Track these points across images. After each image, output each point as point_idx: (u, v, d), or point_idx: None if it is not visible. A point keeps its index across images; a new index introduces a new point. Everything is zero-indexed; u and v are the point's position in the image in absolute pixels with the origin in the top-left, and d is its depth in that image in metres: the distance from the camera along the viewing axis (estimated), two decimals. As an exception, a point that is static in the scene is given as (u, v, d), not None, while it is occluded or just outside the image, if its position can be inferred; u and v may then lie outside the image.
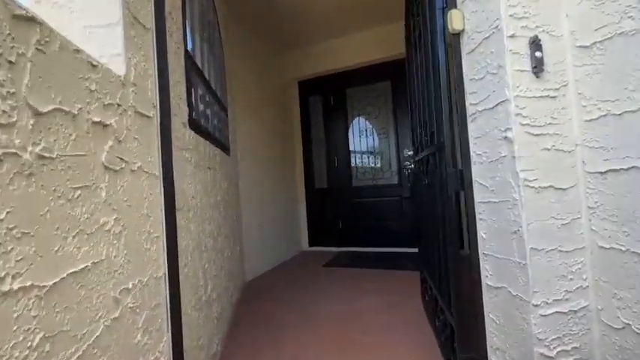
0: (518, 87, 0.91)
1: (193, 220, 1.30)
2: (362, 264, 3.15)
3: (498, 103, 0.95)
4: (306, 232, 4.00)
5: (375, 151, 3.73)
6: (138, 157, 0.82)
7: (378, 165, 3.71)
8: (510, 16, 0.91)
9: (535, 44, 0.90)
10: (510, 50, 0.91)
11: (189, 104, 1.32)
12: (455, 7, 1.10)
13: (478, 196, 1.08)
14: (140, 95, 0.85)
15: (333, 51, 3.69)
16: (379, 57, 3.49)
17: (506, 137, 0.93)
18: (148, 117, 0.89)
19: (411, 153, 3.55)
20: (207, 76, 1.80)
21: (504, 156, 0.95)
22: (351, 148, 3.84)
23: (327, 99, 3.94)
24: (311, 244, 4.00)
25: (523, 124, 0.90)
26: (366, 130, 3.80)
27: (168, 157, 0.98)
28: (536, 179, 0.90)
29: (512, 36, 0.91)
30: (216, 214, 1.76)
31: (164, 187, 0.95)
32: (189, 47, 1.42)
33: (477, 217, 1.09)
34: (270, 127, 3.47)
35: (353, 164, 3.82)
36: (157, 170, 0.93)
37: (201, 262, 1.39)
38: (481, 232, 1.08)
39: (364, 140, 3.80)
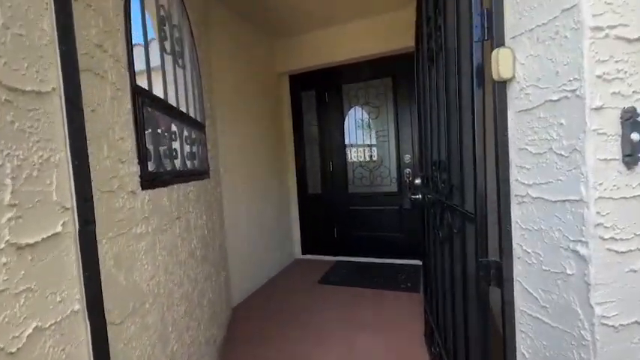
0: (601, 185, 0.62)
1: (153, 307, 1.02)
2: (359, 280, 2.94)
3: (567, 200, 0.67)
4: (299, 240, 3.77)
5: (373, 155, 3.43)
6: (34, 316, 0.53)
7: (376, 170, 3.42)
8: (598, 77, 0.61)
9: (632, 122, 0.61)
10: (594, 130, 0.62)
11: (142, 159, 1.00)
12: (503, 44, 0.78)
13: (521, 302, 0.82)
14: (30, 213, 0.54)
15: (327, 42, 3.28)
16: (380, 51, 3.11)
17: (576, 252, 0.66)
18: (54, 235, 0.59)
19: (408, 158, 3.27)
20: (173, 99, 1.46)
21: (571, 274, 0.68)
22: (348, 151, 3.53)
23: (322, 95, 3.57)
24: (304, 252, 3.78)
25: (605, 239, 0.63)
26: (363, 133, 3.48)
27: (94, 273, 0.69)
28: (616, 314, 0.64)
29: (598, 108, 0.61)
30: (190, 267, 1.48)
31: (91, 323, 0.67)
32: (141, 79, 1.08)
33: (518, 327, 0.84)
34: (258, 127, 3.12)
35: (349, 169, 3.53)
36: (80, 302, 0.64)
37: (167, 349, 1.13)
38: (522, 349, 0.83)
39: (361, 143, 3.48)
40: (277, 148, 3.51)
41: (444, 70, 1.19)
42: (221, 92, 2.57)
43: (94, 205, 0.70)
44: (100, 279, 0.70)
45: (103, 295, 0.71)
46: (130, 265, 0.89)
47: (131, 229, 0.91)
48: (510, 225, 0.83)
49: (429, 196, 1.58)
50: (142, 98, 1.05)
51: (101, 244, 0.74)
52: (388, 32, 3.03)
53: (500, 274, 0.85)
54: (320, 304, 2.54)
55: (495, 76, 0.79)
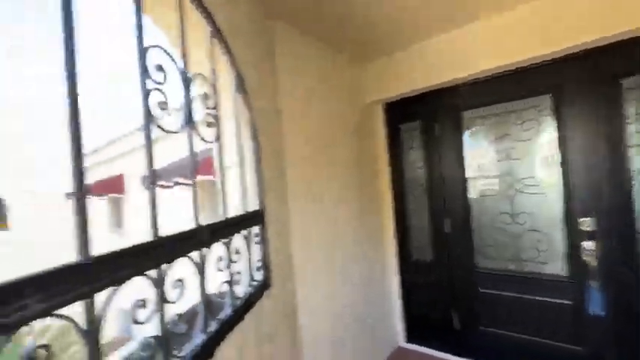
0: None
1: None
2: None
3: None
4: (402, 321, 2.79)
5: (519, 214, 2.24)
6: None
7: (526, 238, 2.22)
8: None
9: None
10: None
11: None
12: None
13: None
14: None
15: (440, 54, 2.32)
16: (527, 56, 1.98)
17: None
18: None
19: (590, 223, 1.96)
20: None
21: None
22: (473, 207, 2.42)
23: (430, 128, 2.59)
24: (410, 339, 2.78)
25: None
26: (499, 180, 2.33)
27: None
28: None
29: None
30: None
31: None
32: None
33: None
34: (343, 178, 2.36)
35: (476, 232, 2.41)
36: None
37: None
38: None
39: (496, 195, 2.34)
40: (370, 200, 2.67)
41: None
42: (294, 146, 1.90)
43: None
44: None
45: None
46: None
47: None
48: None
49: None
50: None
51: None
52: (547, 23, 1.89)
53: None
54: None
55: None
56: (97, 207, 9.01)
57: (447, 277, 2.54)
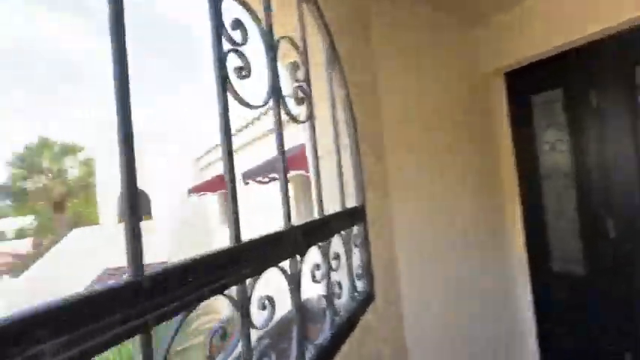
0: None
1: None
2: None
3: None
4: (538, 355, 2.18)
5: None
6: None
7: None
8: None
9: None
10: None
11: None
12: None
13: None
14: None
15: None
16: None
17: None
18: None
19: None
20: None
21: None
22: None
23: (579, 96, 1.92)
24: (549, 373, 2.15)
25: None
26: None
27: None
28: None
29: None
30: None
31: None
32: None
33: None
34: (450, 163, 1.93)
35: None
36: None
37: None
38: None
39: None
40: (489, 195, 2.15)
41: None
42: (393, 129, 1.60)
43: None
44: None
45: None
46: None
47: None
48: None
49: None
50: None
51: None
52: None
53: None
54: None
55: None
56: (212, 204, 10.28)
57: (612, 300, 1.85)
